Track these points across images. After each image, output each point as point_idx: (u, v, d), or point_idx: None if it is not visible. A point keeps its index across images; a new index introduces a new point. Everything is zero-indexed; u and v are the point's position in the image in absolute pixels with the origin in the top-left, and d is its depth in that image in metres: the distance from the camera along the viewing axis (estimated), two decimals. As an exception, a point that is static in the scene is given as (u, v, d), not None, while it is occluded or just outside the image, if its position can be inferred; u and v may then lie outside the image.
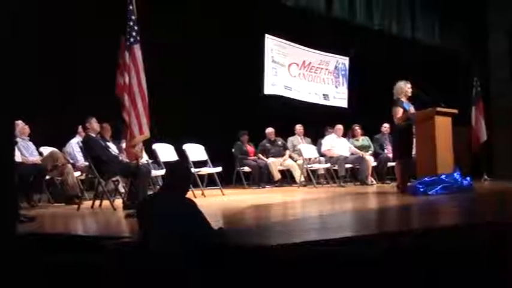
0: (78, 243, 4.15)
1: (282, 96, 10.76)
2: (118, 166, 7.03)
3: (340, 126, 11.06)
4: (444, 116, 7.64)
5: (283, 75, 10.81)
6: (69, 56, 9.00)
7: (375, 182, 10.73)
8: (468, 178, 7.33)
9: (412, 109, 7.87)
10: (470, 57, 11.68)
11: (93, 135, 7.22)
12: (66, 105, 9.20)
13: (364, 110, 11.35)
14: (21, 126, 7.67)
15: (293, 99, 11.02)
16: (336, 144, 10.87)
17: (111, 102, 6.34)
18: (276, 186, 10.71)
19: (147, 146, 7.94)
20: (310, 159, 10.74)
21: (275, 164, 10.81)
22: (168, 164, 7.72)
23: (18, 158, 7.05)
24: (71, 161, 8.16)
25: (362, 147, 11.10)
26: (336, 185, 10.48)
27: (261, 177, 10.74)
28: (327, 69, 11.89)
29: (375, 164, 10.85)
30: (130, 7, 5.93)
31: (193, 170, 8.25)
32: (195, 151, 9.11)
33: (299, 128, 11.43)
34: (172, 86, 9.94)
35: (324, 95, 11.79)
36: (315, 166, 10.76)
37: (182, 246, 3.29)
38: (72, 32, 8.79)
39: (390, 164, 10.41)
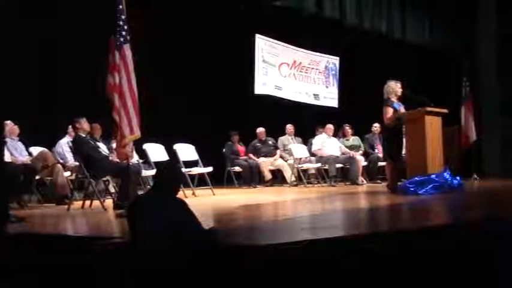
0: (69, 244, 4.13)
1: (272, 96, 10.75)
2: (108, 166, 7.01)
3: (330, 126, 11.08)
4: (434, 115, 7.66)
5: (273, 75, 10.80)
6: (59, 55, 8.97)
7: (365, 181, 10.75)
8: (458, 178, 7.35)
9: (402, 109, 7.88)
10: (460, 57, 11.73)
11: (83, 135, 7.19)
12: (56, 105, 9.16)
13: (355, 109, 11.37)
14: (10, 127, 7.61)
15: (284, 99, 11.02)
16: (327, 144, 10.89)
17: (101, 102, 6.32)
18: (267, 186, 10.72)
19: (138, 145, 7.92)
20: (300, 159, 10.75)
21: (266, 164, 10.81)
22: (158, 164, 7.70)
23: (7, 158, 7.00)
24: (61, 161, 8.12)
25: (352, 147, 11.12)
26: (327, 184, 10.50)
27: (252, 177, 10.74)
28: (317, 69, 11.89)
29: (365, 163, 10.87)
30: (120, 6, 5.90)
31: (184, 170, 8.24)
32: (186, 151, 9.09)
33: (290, 127, 11.45)
34: (162, 85, 9.93)
35: (314, 94, 11.79)
36: (306, 166, 10.78)
37: (173, 246, 3.28)
38: (62, 31, 8.76)
39: (381, 163, 10.44)
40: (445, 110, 7.84)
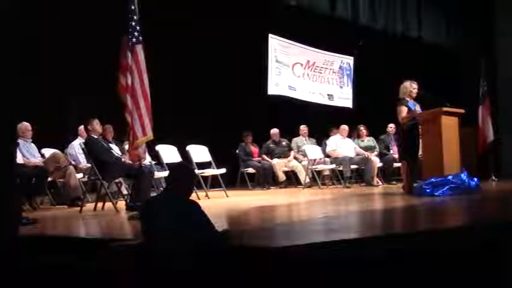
0: (81, 246, 4.15)
1: (286, 96, 10.74)
2: (120, 168, 7.02)
3: (345, 127, 11.03)
4: (451, 116, 7.61)
5: (287, 75, 10.80)
6: (71, 55, 9.00)
7: (380, 183, 10.70)
8: (475, 179, 7.29)
9: (418, 109, 7.84)
10: (477, 56, 11.64)
11: (95, 136, 7.22)
12: (68, 106, 9.20)
13: (369, 110, 11.33)
14: (24, 127, 7.65)
15: (297, 99, 11.00)
16: (341, 144, 10.85)
17: (113, 103, 6.34)
18: (281, 188, 10.70)
19: (150, 147, 7.94)
20: (315, 160, 10.72)
21: (280, 165, 10.80)
22: (171, 166, 7.72)
23: (19, 159, 7.04)
24: (73, 163, 8.16)
25: (367, 148, 11.07)
26: (341, 186, 10.47)
27: (266, 179, 10.72)
28: (331, 69, 11.86)
29: (380, 164, 10.82)
30: (132, 7, 5.93)
31: (196, 171, 8.24)
32: (199, 152, 9.10)
33: (304, 128, 11.42)
34: (175, 86, 9.94)
35: (328, 95, 11.78)
36: (320, 167, 10.75)
37: (186, 249, 3.28)
38: (74, 31, 8.80)
39: (396, 164, 10.40)
40: (461, 110, 7.78)
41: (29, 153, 7.73)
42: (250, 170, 10.77)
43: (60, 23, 8.67)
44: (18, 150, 6.87)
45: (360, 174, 11.07)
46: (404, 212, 6.07)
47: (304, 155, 10.82)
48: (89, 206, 7.25)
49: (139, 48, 5.91)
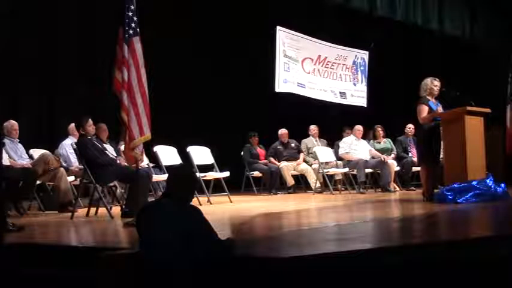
0: (72, 255, 4.16)
1: (295, 94, 10.74)
2: (116, 170, 7.03)
3: (359, 127, 11.02)
4: (475, 115, 7.58)
5: (296, 71, 10.79)
6: (61, 48, 9.03)
7: (398, 188, 10.69)
8: (503, 185, 7.28)
9: (440, 108, 7.82)
10: (506, 50, 11.59)
11: (88, 136, 7.22)
12: (59, 104, 9.22)
13: (386, 109, 11.32)
14: (11, 126, 7.66)
15: (307, 97, 11.00)
16: (355, 146, 10.84)
17: (108, 100, 6.35)
18: (289, 193, 10.72)
19: (148, 148, 7.95)
20: (326, 163, 10.72)
21: (288, 169, 10.80)
22: (170, 168, 7.73)
23: (5, 161, 7.05)
24: (64, 165, 8.16)
25: (384, 150, 11.05)
26: (355, 191, 10.47)
27: (273, 183, 10.73)
28: (344, 64, 11.85)
29: (398, 168, 10.81)
30: (129, -4, 5.94)
31: (198, 174, 8.25)
32: (201, 154, 9.11)
33: (314, 129, 11.42)
34: (175, 82, 9.97)
35: (341, 92, 11.77)
36: (332, 171, 10.74)
37: (186, 259, 3.29)
38: (64, 22, 8.83)
39: (415, 168, 10.38)
40: (487, 110, 7.76)
41: (16, 154, 7.74)
42: (256, 174, 10.78)
43: (49, 15, 8.70)
44: (4, 151, 6.88)
45: (375, 179, 11.05)
46: (424, 221, 6.06)
47: (315, 158, 10.82)
48: (81, 211, 7.28)
49: (136, 41, 5.91)
